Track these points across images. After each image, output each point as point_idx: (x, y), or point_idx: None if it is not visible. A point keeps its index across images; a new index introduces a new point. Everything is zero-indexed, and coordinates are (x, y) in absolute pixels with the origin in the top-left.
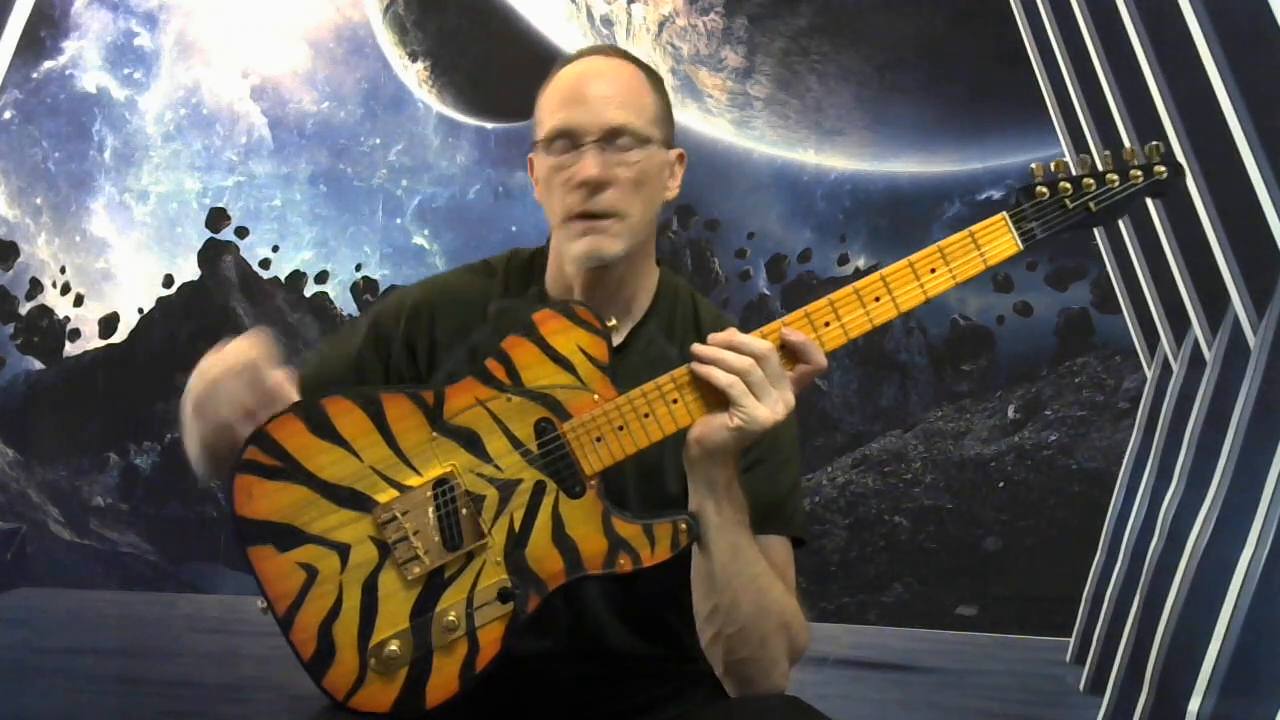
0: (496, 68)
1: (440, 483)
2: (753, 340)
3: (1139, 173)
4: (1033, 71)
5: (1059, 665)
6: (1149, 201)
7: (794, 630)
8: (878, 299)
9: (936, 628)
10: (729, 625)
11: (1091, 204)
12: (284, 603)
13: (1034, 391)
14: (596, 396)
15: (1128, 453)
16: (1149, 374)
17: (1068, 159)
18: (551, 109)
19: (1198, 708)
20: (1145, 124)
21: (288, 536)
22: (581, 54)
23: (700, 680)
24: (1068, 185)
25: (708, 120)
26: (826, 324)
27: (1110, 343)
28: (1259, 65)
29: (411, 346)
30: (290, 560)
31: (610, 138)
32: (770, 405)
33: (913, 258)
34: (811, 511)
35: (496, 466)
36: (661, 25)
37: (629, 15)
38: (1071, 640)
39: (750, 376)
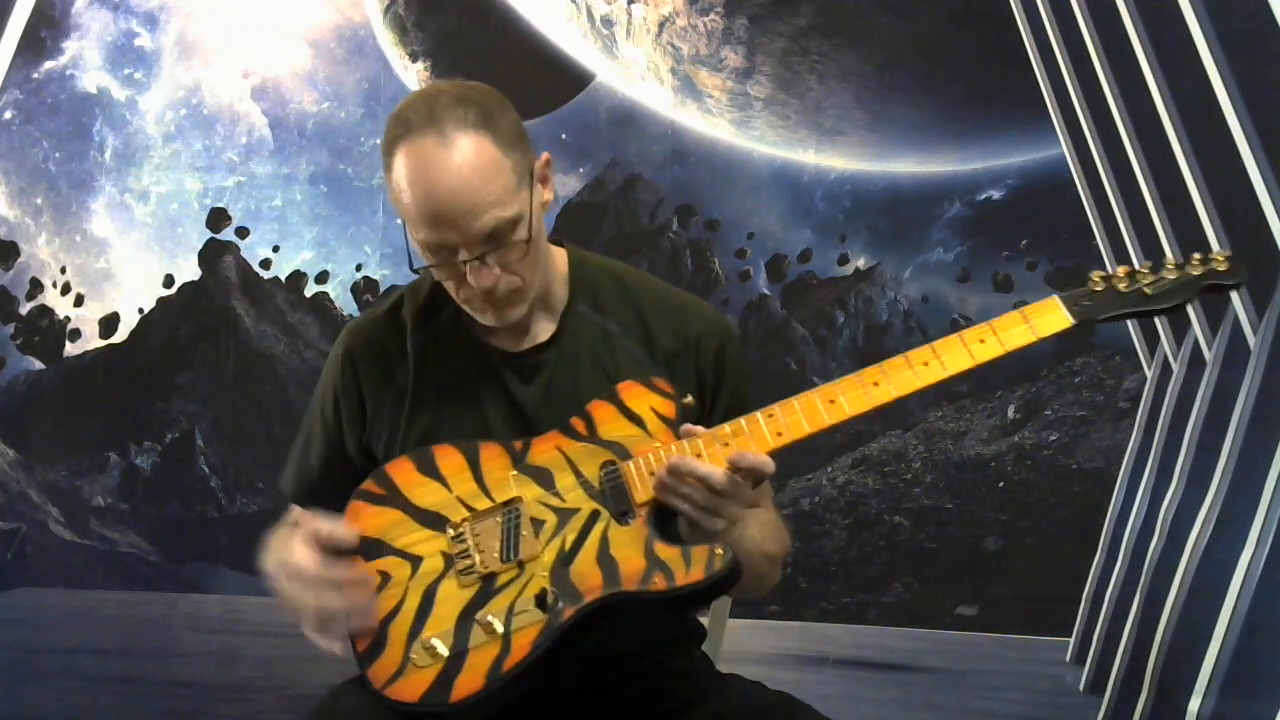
0: (496, 68)
1: (509, 507)
2: (729, 482)
3: (1199, 266)
4: (1033, 71)
5: (1059, 665)
6: (1149, 202)
7: (781, 555)
8: (926, 364)
9: (936, 628)
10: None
11: (1147, 288)
12: None
13: (1034, 391)
14: (658, 444)
15: (1128, 453)
16: (1149, 374)
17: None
18: (410, 219)
19: (1198, 708)
20: (1145, 124)
21: (375, 548)
22: (401, 139)
23: (697, 671)
24: (1123, 278)
25: (708, 120)
26: (876, 384)
27: (1110, 343)
28: (1259, 65)
29: (348, 401)
30: (372, 568)
31: (486, 244)
32: (729, 517)
33: (964, 331)
34: (811, 511)
35: (561, 498)
36: (661, 25)
37: (629, 15)
38: (1071, 640)
39: (715, 505)
